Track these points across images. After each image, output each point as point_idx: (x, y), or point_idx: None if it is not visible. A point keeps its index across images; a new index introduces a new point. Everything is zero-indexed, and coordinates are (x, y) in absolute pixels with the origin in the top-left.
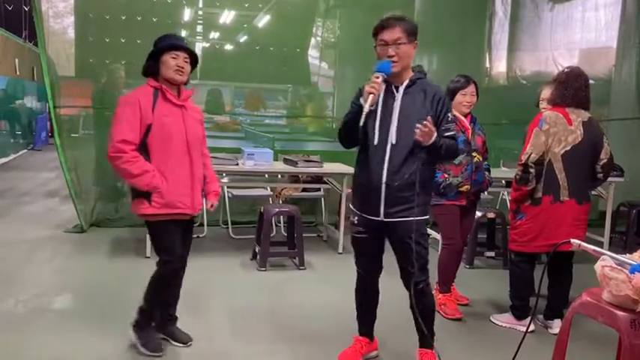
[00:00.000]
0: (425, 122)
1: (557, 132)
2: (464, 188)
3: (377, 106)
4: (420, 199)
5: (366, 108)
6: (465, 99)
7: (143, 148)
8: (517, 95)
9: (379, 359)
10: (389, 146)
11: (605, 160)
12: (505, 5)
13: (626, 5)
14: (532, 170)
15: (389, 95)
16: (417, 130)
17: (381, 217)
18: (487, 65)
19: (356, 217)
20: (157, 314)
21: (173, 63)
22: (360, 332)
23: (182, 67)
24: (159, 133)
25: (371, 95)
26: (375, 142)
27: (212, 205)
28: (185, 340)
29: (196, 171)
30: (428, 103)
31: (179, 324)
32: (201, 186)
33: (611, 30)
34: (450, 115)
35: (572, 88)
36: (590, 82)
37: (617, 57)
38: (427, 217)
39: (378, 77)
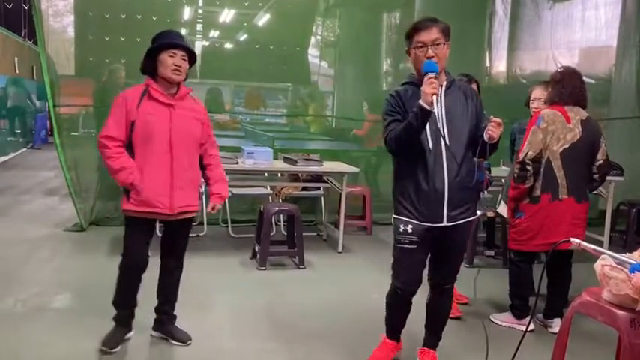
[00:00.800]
0: (493, 120)
1: (555, 130)
2: None
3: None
4: (473, 196)
5: (436, 109)
6: None
7: (129, 146)
8: (517, 94)
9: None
10: (444, 149)
11: (601, 162)
12: (505, 4)
13: (626, 4)
14: (529, 168)
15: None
16: (490, 130)
17: (445, 222)
18: (487, 64)
19: (410, 226)
20: (121, 311)
21: (170, 62)
22: (389, 336)
23: (179, 66)
24: (141, 131)
25: (434, 96)
26: (431, 145)
27: (213, 208)
28: (184, 339)
29: (178, 171)
30: (470, 102)
31: (179, 323)
32: (190, 187)
33: (611, 29)
34: (485, 112)
35: (569, 86)
36: (590, 81)
37: (617, 56)
38: (477, 214)
39: (432, 77)
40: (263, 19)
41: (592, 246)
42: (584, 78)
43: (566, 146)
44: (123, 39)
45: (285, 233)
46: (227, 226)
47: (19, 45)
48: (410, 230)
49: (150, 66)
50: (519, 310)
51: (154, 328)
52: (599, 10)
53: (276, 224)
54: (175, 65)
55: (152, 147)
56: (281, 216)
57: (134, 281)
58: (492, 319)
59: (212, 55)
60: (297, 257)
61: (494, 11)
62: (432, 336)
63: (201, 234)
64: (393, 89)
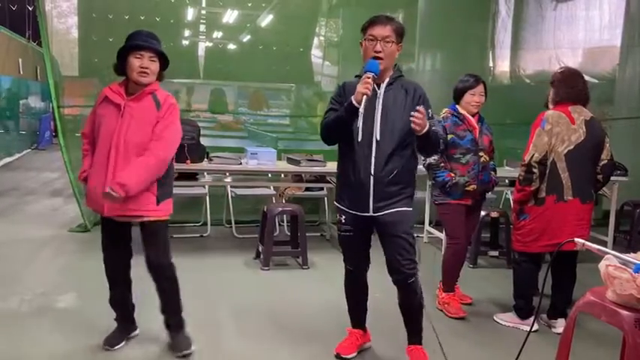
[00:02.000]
0: (418, 109)
1: (560, 131)
2: (470, 188)
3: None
4: (407, 191)
5: (362, 108)
6: (473, 99)
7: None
8: (521, 94)
9: (373, 350)
10: (374, 142)
11: (605, 161)
12: (508, 4)
13: (629, 4)
14: (535, 170)
15: (371, 93)
16: (413, 119)
17: (371, 212)
18: (490, 64)
19: (344, 216)
20: (114, 305)
21: (137, 64)
22: (353, 325)
23: (146, 68)
24: (95, 132)
25: (365, 96)
26: (359, 138)
27: (108, 193)
28: (179, 348)
29: (114, 174)
30: (409, 100)
31: (187, 325)
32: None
33: (615, 28)
34: (430, 111)
35: (572, 86)
36: (594, 81)
37: (621, 56)
38: (412, 208)
39: (369, 77)
40: (266, 20)
41: (596, 246)
42: (587, 78)
43: (571, 147)
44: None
45: (289, 233)
46: (231, 227)
47: (23, 46)
48: (343, 220)
49: (121, 67)
50: (523, 310)
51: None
52: (603, 9)
53: (279, 224)
54: (141, 67)
55: (97, 148)
56: (284, 216)
57: (115, 282)
58: (496, 319)
59: (215, 55)
60: (300, 257)
61: (498, 11)
62: (412, 332)
63: (204, 234)
64: (344, 81)
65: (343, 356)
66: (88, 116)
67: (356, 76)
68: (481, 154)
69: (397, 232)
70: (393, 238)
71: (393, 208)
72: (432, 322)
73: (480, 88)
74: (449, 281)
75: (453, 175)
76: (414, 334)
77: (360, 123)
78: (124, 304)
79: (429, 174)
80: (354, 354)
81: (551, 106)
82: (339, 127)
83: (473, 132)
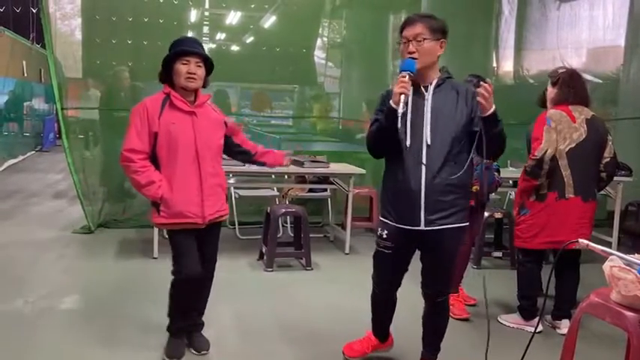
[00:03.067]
0: (485, 85)
1: (562, 129)
2: (473, 189)
3: (406, 108)
4: (462, 202)
5: (401, 108)
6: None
7: (153, 157)
8: (524, 95)
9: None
10: (424, 148)
11: (608, 159)
12: (511, 4)
13: (634, 3)
14: (546, 166)
15: (418, 96)
16: (480, 90)
17: (422, 226)
18: (494, 65)
19: (385, 231)
20: (180, 321)
21: (184, 70)
22: (373, 332)
23: (194, 73)
24: (165, 142)
25: (402, 95)
26: (408, 144)
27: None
28: (199, 348)
29: (206, 179)
30: (462, 100)
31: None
32: (218, 193)
33: (618, 28)
34: None
35: (573, 86)
36: (598, 81)
37: (625, 56)
38: (467, 223)
39: (404, 76)
40: (269, 21)
41: (600, 247)
42: (591, 78)
43: (572, 145)
44: (130, 42)
45: (292, 235)
46: (234, 228)
47: (27, 48)
48: (385, 235)
49: (167, 75)
50: (527, 311)
51: (180, 335)
52: (607, 9)
53: (283, 226)
54: (189, 73)
55: (178, 157)
56: (288, 217)
57: (189, 294)
58: (500, 320)
59: (219, 57)
60: (304, 259)
61: (501, 11)
62: (428, 349)
63: None
64: (388, 88)
65: (346, 356)
66: (135, 130)
67: None
68: None
69: (445, 252)
70: (440, 256)
71: (447, 224)
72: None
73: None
74: (453, 282)
75: None
76: (431, 351)
77: (408, 128)
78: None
79: None
80: (361, 358)
81: (550, 105)
82: (382, 136)
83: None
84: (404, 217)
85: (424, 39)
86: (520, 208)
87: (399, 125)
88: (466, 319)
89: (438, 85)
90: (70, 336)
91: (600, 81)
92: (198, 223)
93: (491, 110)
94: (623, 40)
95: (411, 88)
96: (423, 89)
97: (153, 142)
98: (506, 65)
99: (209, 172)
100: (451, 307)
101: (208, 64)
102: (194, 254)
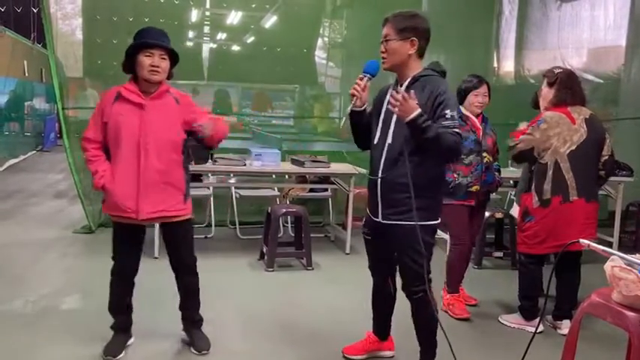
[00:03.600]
0: (400, 92)
1: (561, 132)
2: (473, 188)
3: (382, 105)
4: (421, 202)
5: (348, 110)
6: (477, 99)
7: (106, 147)
8: (525, 95)
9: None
10: (386, 145)
11: (606, 157)
12: (512, 4)
13: (635, 3)
14: (513, 154)
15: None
16: (390, 99)
17: (380, 219)
18: (494, 65)
19: (365, 218)
20: (117, 317)
21: (147, 62)
22: (373, 330)
23: (157, 66)
24: (113, 133)
25: (355, 97)
26: (375, 141)
27: (200, 125)
28: (201, 348)
29: (148, 175)
30: (424, 100)
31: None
32: (166, 191)
33: (619, 28)
34: (449, 112)
35: (570, 87)
36: (599, 81)
37: (626, 56)
38: (433, 222)
39: (361, 79)
40: (270, 21)
41: (601, 247)
42: (592, 78)
43: (573, 147)
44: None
45: (293, 235)
46: (235, 228)
47: (28, 48)
48: (363, 222)
49: (129, 66)
50: (528, 311)
51: (182, 329)
52: (608, 9)
53: (283, 226)
54: (152, 66)
55: (121, 149)
56: (288, 217)
57: (123, 287)
58: (501, 320)
59: (219, 57)
60: (304, 258)
61: (502, 11)
62: (422, 348)
63: (209, 235)
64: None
65: (347, 356)
66: (92, 119)
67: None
68: (484, 154)
69: (403, 249)
70: (400, 254)
71: (401, 220)
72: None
73: (484, 88)
74: (453, 282)
75: (455, 176)
76: (424, 351)
77: (379, 125)
78: (128, 311)
79: None
80: (360, 357)
81: (547, 105)
82: (353, 131)
83: (476, 133)
84: (370, 207)
85: (391, 39)
86: (524, 215)
87: (347, 123)
88: (467, 319)
89: (410, 84)
90: (70, 335)
91: (601, 81)
92: (132, 218)
93: (410, 117)
94: (624, 40)
95: (368, 85)
96: (399, 87)
97: (105, 132)
98: (507, 65)
99: (153, 169)
100: (451, 307)
101: (173, 56)
102: (128, 250)
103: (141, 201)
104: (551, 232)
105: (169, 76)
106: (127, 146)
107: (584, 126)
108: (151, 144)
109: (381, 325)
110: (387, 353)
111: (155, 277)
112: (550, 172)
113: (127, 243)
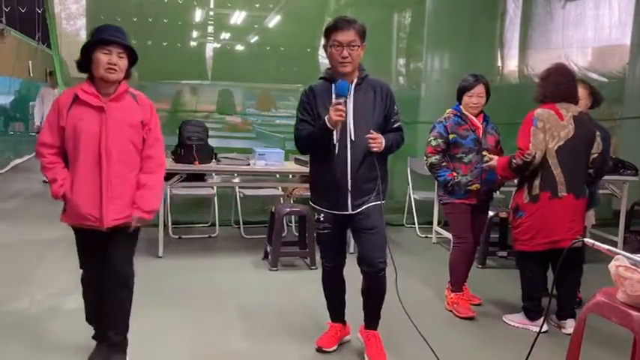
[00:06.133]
0: (371, 133)
1: (550, 127)
2: (473, 187)
3: (330, 105)
4: (381, 186)
5: (335, 138)
6: (471, 100)
7: (64, 153)
8: (529, 94)
9: (352, 344)
10: (349, 144)
11: (595, 155)
12: (516, 3)
13: (639, 2)
14: (532, 167)
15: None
16: (371, 144)
17: (349, 211)
18: (499, 64)
19: (322, 215)
20: (94, 325)
21: (105, 60)
22: (333, 319)
23: (114, 64)
24: (71, 138)
25: (339, 121)
26: (335, 141)
27: (133, 220)
28: None
29: (111, 182)
30: (379, 98)
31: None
32: (127, 198)
33: (624, 27)
34: (395, 107)
35: (552, 83)
36: (604, 80)
37: (630, 54)
38: (383, 201)
39: (340, 103)
40: (274, 21)
41: (606, 246)
42: (596, 77)
43: (561, 143)
44: (134, 42)
45: (297, 234)
46: (239, 227)
47: (33, 48)
48: (322, 218)
49: (85, 64)
50: (532, 311)
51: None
52: (612, 8)
53: (287, 225)
54: (109, 64)
55: (81, 155)
56: (292, 217)
57: (96, 296)
58: (505, 319)
59: (223, 56)
60: (308, 258)
61: (506, 10)
62: (371, 317)
63: (213, 235)
64: (309, 84)
65: (325, 349)
66: (48, 123)
67: (320, 78)
68: (484, 153)
69: (371, 226)
70: (367, 232)
71: (369, 202)
72: (426, 321)
73: (478, 89)
74: (457, 281)
75: (454, 174)
76: (373, 319)
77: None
78: (105, 318)
79: (432, 173)
80: (335, 347)
81: (537, 103)
82: (316, 143)
83: (476, 131)
84: (334, 204)
85: (357, 45)
86: (515, 210)
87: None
88: (472, 318)
89: (358, 84)
90: (75, 334)
91: (606, 80)
92: (96, 226)
93: (384, 145)
94: (628, 39)
95: (345, 108)
96: (350, 85)
97: (63, 137)
98: (511, 64)
99: (116, 175)
100: (456, 306)
101: (132, 55)
102: (90, 258)
103: (104, 209)
104: (541, 228)
105: (127, 76)
106: (87, 152)
107: (572, 123)
108: (113, 148)
109: (341, 311)
110: (347, 338)
111: (159, 275)
112: (539, 168)
113: (91, 252)
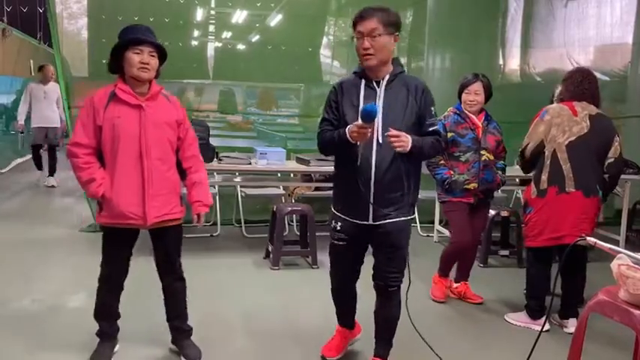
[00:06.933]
0: (390, 131)
1: (561, 122)
2: (470, 186)
3: (359, 103)
4: (409, 198)
5: (360, 159)
6: (467, 98)
7: (99, 152)
8: (531, 93)
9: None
10: (374, 147)
11: (611, 160)
12: (518, 2)
13: None
14: (527, 158)
15: (370, 91)
16: (391, 140)
17: (370, 221)
18: (500, 63)
19: (339, 223)
20: (103, 325)
21: (137, 59)
22: (341, 324)
23: (147, 63)
24: (109, 137)
25: (361, 140)
26: (359, 143)
27: (198, 218)
28: (193, 356)
29: (152, 179)
30: (412, 97)
31: (193, 325)
32: (168, 194)
33: (626, 26)
34: (433, 108)
35: (575, 84)
36: (606, 78)
37: (633, 53)
38: (414, 216)
39: (366, 128)
40: (275, 20)
41: (608, 245)
42: (599, 75)
43: (572, 138)
44: None
45: (298, 233)
46: (240, 226)
47: (35, 47)
48: (339, 227)
49: (117, 65)
50: (535, 310)
51: (171, 342)
52: (614, 6)
53: (289, 224)
54: (142, 63)
55: (121, 154)
56: (294, 216)
57: (114, 293)
58: (507, 319)
59: (225, 56)
60: (310, 257)
61: (507, 9)
62: (381, 344)
63: (214, 234)
64: (340, 79)
65: (327, 358)
66: (81, 123)
67: (353, 72)
68: (483, 152)
69: (390, 245)
70: (388, 249)
71: (394, 217)
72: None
73: (476, 86)
74: (444, 269)
75: (451, 172)
76: (382, 346)
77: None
78: (116, 316)
79: (429, 171)
80: (339, 356)
81: (556, 102)
82: (335, 149)
83: (475, 130)
84: (354, 211)
85: (379, 34)
86: (525, 206)
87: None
88: (442, 302)
89: (390, 81)
90: (76, 333)
91: (608, 79)
92: (139, 224)
93: (410, 146)
94: (630, 38)
95: (362, 92)
96: (375, 84)
97: (99, 136)
98: (513, 63)
99: (156, 172)
100: (434, 285)
101: (162, 54)
102: (121, 260)
103: (147, 206)
104: (548, 223)
105: (157, 75)
106: (127, 150)
107: (587, 121)
108: (153, 146)
109: (349, 318)
110: (358, 337)
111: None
112: (548, 162)
113: (123, 249)
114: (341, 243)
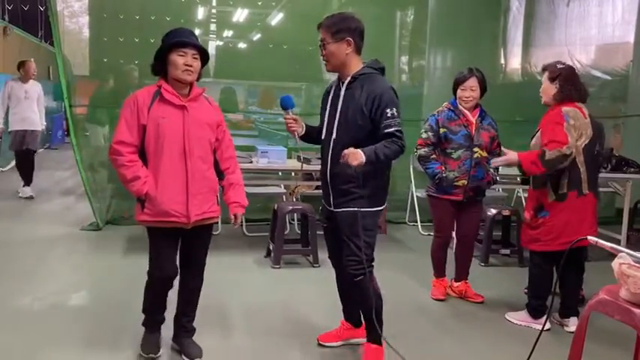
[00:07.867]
0: (343, 153)
1: (580, 125)
2: (460, 183)
3: (327, 103)
4: (366, 190)
5: (297, 141)
6: (463, 94)
7: (142, 151)
8: (532, 92)
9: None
10: (332, 141)
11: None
12: (519, 1)
13: None
14: (566, 163)
15: (338, 92)
16: (345, 160)
17: (332, 207)
18: (502, 62)
19: (321, 207)
20: (153, 318)
21: (181, 62)
22: (344, 317)
23: (191, 65)
24: (153, 136)
25: (295, 132)
26: (323, 136)
27: (235, 218)
28: (194, 355)
29: (194, 177)
30: (363, 100)
31: (198, 323)
32: (207, 193)
33: (628, 24)
34: (389, 110)
35: (574, 84)
36: (607, 77)
37: (634, 52)
38: (377, 208)
39: (287, 115)
40: (276, 19)
41: (609, 244)
42: (600, 74)
43: (587, 141)
44: (137, 40)
45: (300, 232)
46: (242, 225)
47: (36, 46)
48: (321, 210)
49: (160, 67)
50: (537, 309)
51: (172, 339)
52: (616, 5)
53: (290, 223)
54: (186, 65)
55: (165, 152)
56: (295, 215)
57: (163, 292)
58: (508, 317)
59: (226, 54)
60: (311, 256)
61: (509, 8)
62: (367, 328)
63: (215, 233)
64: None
65: (321, 343)
66: (125, 122)
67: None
68: (475, 149)
69: (345, 233)
70: (344, 236)
71: (347, 207)
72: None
73: (471, 82)
74: (436, 268)
75: (443, 167)
76: (368, 331)
77: (325, 121)
78: (165, 306)
79: (421, 165)
80: (335, 344)
81: (547, 100)
82: (307, 142)
83: (468, 127)
84: (325, 198)
85: (327, 43)
86: (537, 210)
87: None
88: (441, 301)
89: (349, 83)
90: (78, 332)
91: (609, 78)
92: (182, 222)
93: (364, 160)
94: (632, 37)
95: (302, 126)
96: (341, 85)
97: (142, 135)
98: (514, 62)
99: (198, 171)
100: (433, 288)
101: (204, 56)
102: (172, 256)
103: (190, 204)
104: (565, 227)
105: (199, 77)
106: (171, 149)
107: (590, 122)
108: (195, 146)
109: (353, 312)
110: (361, 340)
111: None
112: (567, 166)
113: (170, 247)
114: (324, 225)
